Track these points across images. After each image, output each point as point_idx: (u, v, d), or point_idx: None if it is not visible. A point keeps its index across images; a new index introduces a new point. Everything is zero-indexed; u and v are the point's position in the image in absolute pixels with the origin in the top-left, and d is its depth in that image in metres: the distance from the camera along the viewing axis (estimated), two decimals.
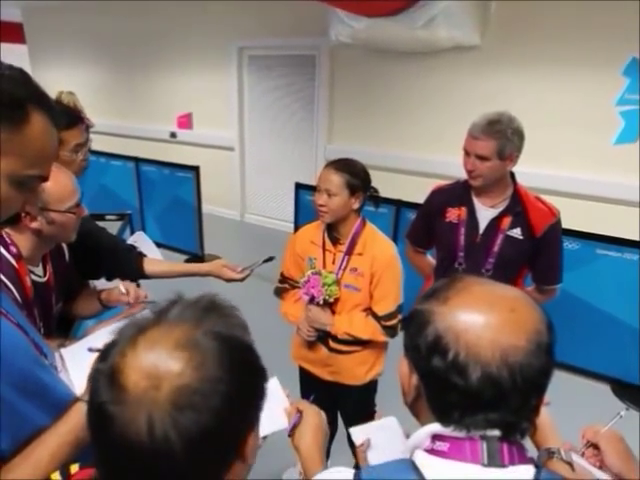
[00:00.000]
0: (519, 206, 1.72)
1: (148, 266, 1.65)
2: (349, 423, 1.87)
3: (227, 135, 5.71)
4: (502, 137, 1.60)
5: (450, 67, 4.01)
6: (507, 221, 1.72)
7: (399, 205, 3.49)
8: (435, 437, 0.63)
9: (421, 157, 4.33)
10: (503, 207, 1.73)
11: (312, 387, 1.94)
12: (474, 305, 0.62)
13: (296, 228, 3.97)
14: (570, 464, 0.88)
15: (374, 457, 1.05)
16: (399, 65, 4.27)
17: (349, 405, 1.94)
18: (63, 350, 1.09)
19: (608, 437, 0.89)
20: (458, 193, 1.82)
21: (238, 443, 0.54)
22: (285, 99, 5.28)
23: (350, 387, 1.82)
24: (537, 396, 0.62)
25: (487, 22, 3.73)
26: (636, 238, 2.82)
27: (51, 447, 0.76)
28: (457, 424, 0.61)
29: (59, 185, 1.21)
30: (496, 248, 1.73)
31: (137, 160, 4.96)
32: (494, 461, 0.59)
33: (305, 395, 2.00)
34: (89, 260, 1.52)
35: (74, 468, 0.66)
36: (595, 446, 0.91)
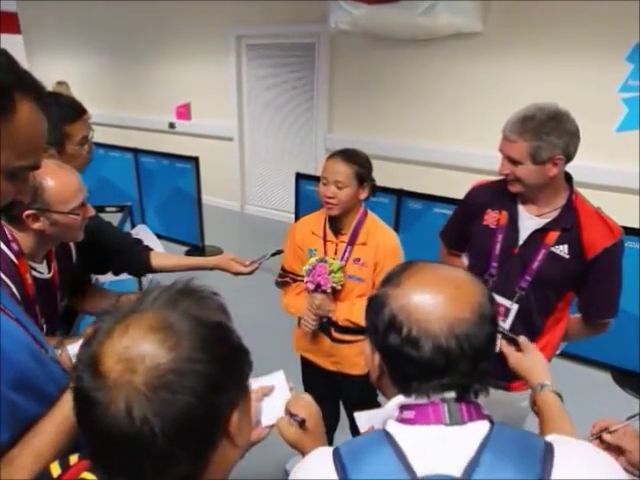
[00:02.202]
0: (571, 220, 1.45)
1: (155, 260, 1.65)
2: (352, 412, 1.88)
3: (226, 125, 5.67)
4: (535, 137, 1.34)
5: (451, 54, 3.97)
6: (553, 235, 1.46)
7: (400, 195, 3.47)
8: (402, 407, 0.69)
9: (422, 146, 4.30)
10: (551, 218, 1.47)
11: (314, 377, 1.95)
12: (423, 285, 0.69)
13: (297, 219, 3.93)
14: (559, 395, 0.98)
15: None
16: (399, 52, 4.23)
17: (352, 394, 1.95)
18: (69, 347, 1.09)
19: (628, 436, 0.92)
20: (501, 194, 1.54)
21: (220, 422, 0.55)
22: (284, 88, 5.23)
23: (352, 376, 1.83)
24: (485, 360, 0.69)
25: (489, 8, 3.68)
26: (637, 226, 2.81)
27: (49, 435, 0.76)
28: (417, 392, 0.68)
29: (62, 186, 1.18)
30: (535, 264, 1.48)
31: (136, 151, 4.93)
32: (455, 419, 0.65)
33: (307, 385, 2.01)
34: (95, 256, 1.51)
35: (73, 459, 0.65)
36: (601, 438, 0.94)
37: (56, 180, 1.17)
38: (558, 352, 1.73)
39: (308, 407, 0.94)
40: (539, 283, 1.49)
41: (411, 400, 0.68)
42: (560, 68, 3.53)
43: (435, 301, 0.67)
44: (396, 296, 0.69)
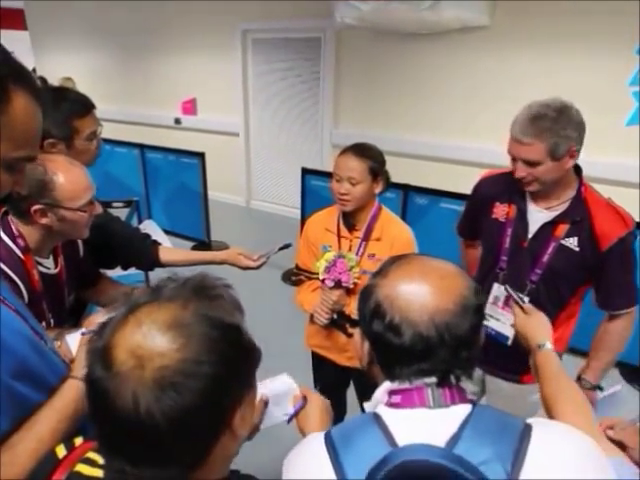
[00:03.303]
0: (581, 212, 1.43)
1: (164, 255, 1.65)
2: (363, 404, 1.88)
3: (232, 121, 5.67)
4: (552, 135, 1.31)
5: (458, 48, 3.94)
6: (563, 228, 1.44)
7: (407, 190, 3.46)
8: (391, 392, 0.72)
9: (429, 141, 4.28)
10: (560, 211, 1.45)
11: (326, 371, 1.94)
12: (408, 276, 0.73)
13: (303, 214, 3.98)
14: (559, 354, 1.00)
15: None
16: (406, 47, 4.20)
17: (365, 387, 1.94)
18: (68, 337, 1.10)
19: (629, 432, 0.93)
20: (509, 187, 1.52)
21: (224, 419, 0.57)
22: (290, 83, 5.21)
23: None
24: (467, 349, 0.71)
25: (496, 2, 3.64)
26: None
27: (50, 422, 0.77)
28: (400, 377, 0.71)
29: (72, 182, 1.18)
30: (545, 258, 1.47)
31: (142, 147, 4.95)
32: (438, 403, 0.68)
33: (318, 379, 2.01)
34: (104, 251, 1.51)
35: (78, 441, 0.67)
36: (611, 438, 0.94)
37: (67, 177, 1.18)
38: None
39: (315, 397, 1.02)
40: (549, 276, 1.49)
41: (397, 385, 0.71)
42: (568, 61, 3.49)
43: (417, 291, 0.70)
44: (382, 286, 0.73)
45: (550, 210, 1.48)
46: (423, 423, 0.67)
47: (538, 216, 1.49)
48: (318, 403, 1.02)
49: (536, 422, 0.68)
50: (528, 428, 0.66)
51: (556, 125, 1.32)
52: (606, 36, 3.31)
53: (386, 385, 0.73)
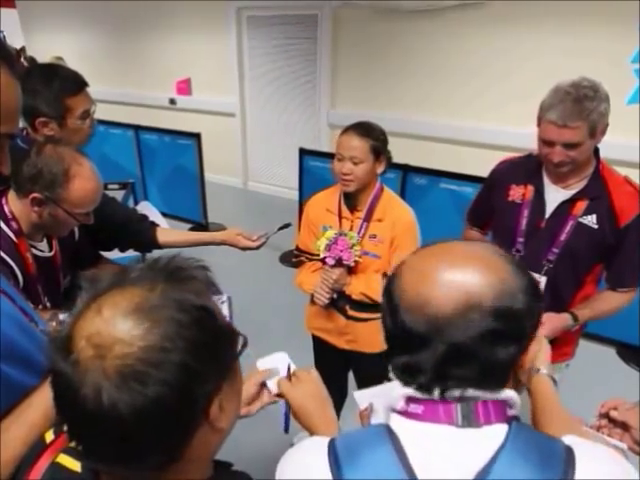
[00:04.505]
0: (599, 188, 1.43)
1: (161, 236, 1.63)
2: (363, 388, 1.88)
3: (227, 100, 5.58)
4: (594, 114, 1.30)
5: (457, 25, 3.86)
6: (581, 206, 1.44)
7: (406, 170, 3.43)
8: (409, 400, 0.61)
9: (427, 120, 4.23)
10: (578, 188, 1.45)
11: (327, 356, 1.94)
12: (430, 252, 0.64)
13: (301, 195, 3.95)
14: (553, 378, 0.95)
15: (377, 421, 1.05)
16: (404, 24, 4.11)
17: (364, 371, 1.95)
18: (61, 317, 1.09)
19: (633, 413, 0.93)
20: (527, 169, 1.54)
21: (198, 411, 0.52)
22: (286, 61, 5.12)
23: (366, 354, 1.82)
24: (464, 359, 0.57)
25: None
26: None
27: (42, 407, 0.76)
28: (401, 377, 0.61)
29: (84, 191, 1.18)
30: (563, 236, 1.46)
31: (137, 128, 4.87)
32: (468, 421, 0.57)
33: (319, 363, 2.01)
34: (101, 233, 1.50)
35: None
36: (609, 417, 0.95)
37: (82, 184, 1.17)
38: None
39: (313, 378, 0.95)
40: (567, 255, 1.48)
41: (419, 394, 0.60)
42: (570, 39, 3.43)
43: (435, 265, 0.62)
44: (403, 264, 0.66)
45: (568, 188, 1.47)
46: (447, 447, 0.56)
47: (556, 195, 1.48)
48: (310, 386, 0.94)
49: (575, 444, 0.58)
50: (570, 455, 0.56)
51: (595, 103, 1.31)
52: (608, 13, 3.25)
53: (404, 390, 0.61)
